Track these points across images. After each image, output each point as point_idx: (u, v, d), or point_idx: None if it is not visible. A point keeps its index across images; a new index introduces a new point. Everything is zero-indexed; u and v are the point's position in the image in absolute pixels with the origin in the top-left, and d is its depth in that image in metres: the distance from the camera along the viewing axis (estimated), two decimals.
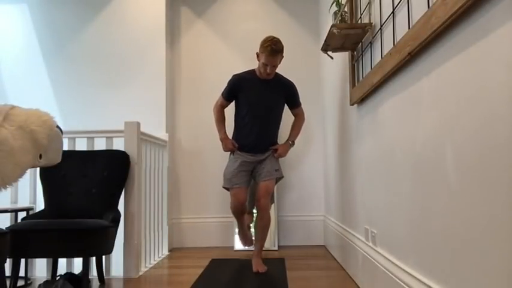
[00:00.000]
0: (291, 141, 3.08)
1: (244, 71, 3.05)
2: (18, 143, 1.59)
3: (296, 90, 3.07)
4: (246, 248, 3.35)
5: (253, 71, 2.99)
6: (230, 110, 3.13)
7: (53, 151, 1.83)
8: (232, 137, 3.07)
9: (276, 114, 3.02)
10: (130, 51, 3.93)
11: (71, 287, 2.32)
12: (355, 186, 2.58)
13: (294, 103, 3.09)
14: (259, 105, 2.95)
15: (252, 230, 3.39)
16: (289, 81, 3.05)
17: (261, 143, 2.98)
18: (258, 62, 2.90)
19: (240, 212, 3.01)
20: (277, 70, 3.05)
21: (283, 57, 2.90)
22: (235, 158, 3.00)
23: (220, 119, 3.09)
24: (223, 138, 3.05)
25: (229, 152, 3.10)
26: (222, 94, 3.06)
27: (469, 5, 1.06)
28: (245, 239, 3.21)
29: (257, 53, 2.89)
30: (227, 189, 3.01)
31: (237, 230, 3.79)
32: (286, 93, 3.02)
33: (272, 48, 2.76)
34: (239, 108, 3.02)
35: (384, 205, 1.96)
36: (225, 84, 3.04)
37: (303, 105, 3.14)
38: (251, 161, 2.97)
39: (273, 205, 3.79)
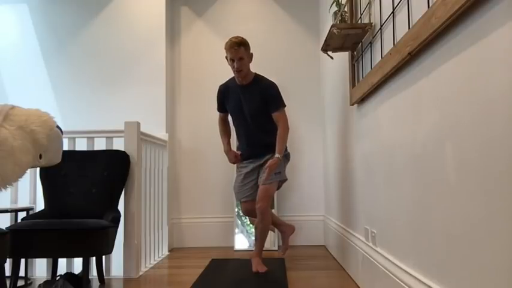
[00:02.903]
0: (276, 156, 2.79)
1: (228, 78, 3.04)
2: (18, 143, 1.59)
3: (275, 92, 2.89)
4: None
5: (234, 77, 2.98)
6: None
7: (53, 151, 1.83)
8: None
9: (262, 118, 2.92)
10: (130, 51, 3.93)
11: (71, 287, 2.32)
12: (355, 186, 2.58)
13: (272, 106, 2.87)
14: (242, 112, 2.94)
15: (252, 238, 3.39)
16: (269, 82, 2.94)
17: (254, 148, 2.97)
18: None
19: (253, 216, 3.06)
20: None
21: (252, 54, 2.90)
22: (239, 171, 3.06)
23: (223, 132, 3.13)
24: (227, 151, 3.06)
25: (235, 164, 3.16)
26: (217, 109, 3.13)
27: (469, 5, 1.06)
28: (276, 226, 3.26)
29: (226, 57, 2.88)
30: None
31: (236, 230, 3.81)
32: (263, 95, 2.87)
33: (232, 41, 2.80)
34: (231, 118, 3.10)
35: (384, 205, 1.96)
36: None
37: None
38: (252, 168, 2.97)
39: (273, 205, 3.79)
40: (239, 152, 3.06)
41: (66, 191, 2.77)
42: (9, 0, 4.06)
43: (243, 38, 2.86)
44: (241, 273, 2.83)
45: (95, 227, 2.42)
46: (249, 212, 3.03)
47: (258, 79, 2.95)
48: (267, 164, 2.82)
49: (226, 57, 2.88)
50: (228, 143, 3.09)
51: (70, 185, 2.78)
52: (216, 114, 3.17)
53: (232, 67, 2.85)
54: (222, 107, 3.08)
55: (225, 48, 2.84)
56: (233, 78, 2.99)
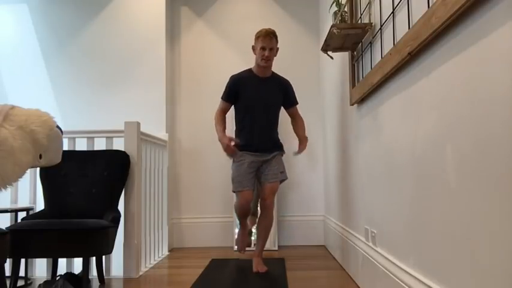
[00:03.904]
0: (306, 136, 3.04)
1: (241, 71, 3.04)
2: (18, 143, 1.59)
3: (293, 89, 3.05)
4: (242, 252, 3.14)
5: (250, 69, 3.00)
6: (230, 117, 3.09)
7: (53, 151, 1.83)
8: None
9: (275, 112, 3.00)
10: (130, 51, 3.93)
11: (71, 287, 2.32)
12: (355, 186, 2.58)
13: (291, 102, 3.05)
14: (258, 103, 2.92)
15: (253, 238, 3.35)
16: (286, 79, 3.06)
17: (265, 141, 2.93)
18: (254, 55, 2.93)
19: (245, 213, 2.98)
20: (277, 70, 3.05)
21: (278, 48, 2.94)
22: (241, 161, 2.89)
23: (220, 121, 2.97)
24: (221, 136, 2.89)
25: (231, 159, 3.00)
26: (222, 97, 3.01)
27: (469, 5, 1.06)
28: (243, 243, 3.10)
29: (252, 46, 2.93)
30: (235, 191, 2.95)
31: (236, 230, 3.80)
32: (283, 91, 3.00)
33: (266, 31, 2.87)
34: (239, 109, 2.99)
35: (384, 205, 1.96)
36: (225, 85, 3.03)
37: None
38: (257, 161, 2.90)
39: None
40: (236, 140, 2.92)
41: (66, 191, 2.77)
42: (9, 0, 4.06)
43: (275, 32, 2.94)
44: (241, 273, 2.83)
45: (95, 227, 2.42)
46: (248, 203, 2.86)
47: (276, 75, 3.04)
48: (303, 144, 3.00)
49: (252, 47, 2.93)
50: (223, 131, 2.93)
51: (70, 185, 2.78)
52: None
53: (261, 55, 2.86)
54: (233, 96, 2.96)
55: (258, 36, 2.88)
56: (247, 70, 3.00)
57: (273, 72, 3.01)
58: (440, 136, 1.31)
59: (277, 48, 2.95)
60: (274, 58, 2.95)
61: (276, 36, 2.90)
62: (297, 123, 3.09)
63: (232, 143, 2.89)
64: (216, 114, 3.03)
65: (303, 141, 3.03)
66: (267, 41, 2.85)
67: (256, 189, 3.08)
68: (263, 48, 2.85)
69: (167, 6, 3.98)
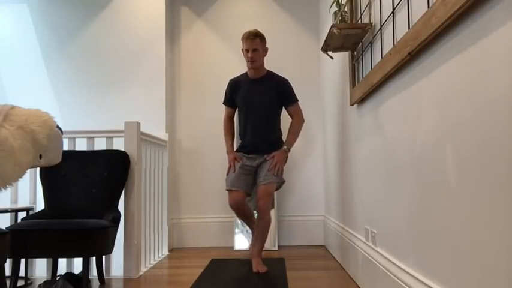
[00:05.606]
0: (286, 148, 2.95)
1: (239, 74, 3.08)
2: (18, 143, 1.59)
3: (289, 87, 2.99)
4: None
5: (246, 73, 3.04)
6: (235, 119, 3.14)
7: (53, 151, 1.84)
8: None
9: (271, 112, 2.98)
10: (130, 51, 3.93)
11: (71, 287, 2.32)
12: (355, 186, 2.58)
13: (288, 100, 2.99)
14: (253, 104, 2.95)
15: None
16: (282, 77, 3.02)
17: (258, 143, 2.94)
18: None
19: (241, 213, 2.95)
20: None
21: (267, 48, 2.97)
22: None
23: (228, 131, 3.07)
24: (229, 151, 3.01)
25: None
26: (223, 102, 3.10)
27: (469, 5, 1.06)
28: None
29: (242, 50, 2.96)
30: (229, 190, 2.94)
31: (236, 230, 3.81)
32: (279, 90, 2.96)
33: (250, 32, 2.89)
34: (238, 111, 3.06)
35: (384, 205, 1.96)
36: (225, 85, 3.06)
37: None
38: (250, 164, 2.93)
39: (273, 205, 3.78)
40: (240, 155, 2.98)
41: (66, 191, 2.77)
42: (9, 0, 4.06)
43: (259, 31, 2.93)
44: (241, 273, 2.83)
45: (95, 227, 2.42)
46: (237, 204, 2.86)
47: (271, 74, 3.02)
48: (273, 156, 2.89)
49: (242, 50, 2.95)
50: (231, 145, 3.05)
51: (70, 185, 2.78)
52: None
53: (247, 58, 2.89)
54: (231, 100, 3.05)
55: (242, 39, 2.91)
56: (245, 73, 3.04)
57: (268, 72, 3.01)
58: (440, 136, 1.31)
59: (266, 48, 2.95)
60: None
61: (260, 36, 2.89)
62: (292, 125, 3.02)
63: (238, 161, 2.94)
64: (224, 121, 3.12)
65: (278, 152, 2.91)
66: (249, 42, 2.86)
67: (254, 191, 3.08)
68: (247, 50, 2.88)
69: (167, 6, 3.98)
